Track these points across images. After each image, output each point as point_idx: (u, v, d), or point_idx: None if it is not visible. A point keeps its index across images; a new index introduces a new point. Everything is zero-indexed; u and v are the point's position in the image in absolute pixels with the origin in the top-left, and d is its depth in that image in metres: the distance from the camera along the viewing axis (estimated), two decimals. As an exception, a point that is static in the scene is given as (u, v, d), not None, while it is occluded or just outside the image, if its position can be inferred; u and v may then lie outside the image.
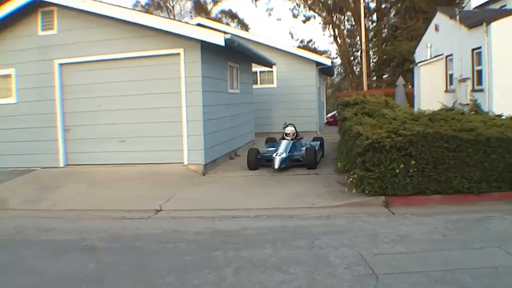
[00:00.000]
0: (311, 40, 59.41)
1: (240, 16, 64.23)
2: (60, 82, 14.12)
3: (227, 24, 53.56)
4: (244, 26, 60.50)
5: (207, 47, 13.12)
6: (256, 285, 5.62)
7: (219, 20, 53.42)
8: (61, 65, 14.07)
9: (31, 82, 14.29)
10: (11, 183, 12.94)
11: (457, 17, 19.53)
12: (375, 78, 50.33)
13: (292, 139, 14.60)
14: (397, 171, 9.31)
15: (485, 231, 7.50)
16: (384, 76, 50.67)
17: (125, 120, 13.75)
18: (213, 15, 59.34)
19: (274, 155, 13.42)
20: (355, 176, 10.04)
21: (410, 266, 6.00)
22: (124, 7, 13.81)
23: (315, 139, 16.33)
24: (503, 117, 11.07)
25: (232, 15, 61.25)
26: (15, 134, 14.46)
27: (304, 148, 14.34)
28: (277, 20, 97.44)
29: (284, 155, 13.32)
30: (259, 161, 13.87)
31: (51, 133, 14.25)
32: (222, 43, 12.43)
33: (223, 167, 14.23)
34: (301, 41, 57.01)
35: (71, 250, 7.49)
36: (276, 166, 13.00)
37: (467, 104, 14.66)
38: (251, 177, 12.75)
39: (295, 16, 56.14)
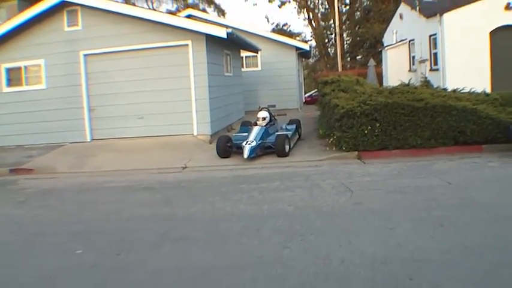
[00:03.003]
0: (286, 23, 60.91)
1: (217, 1, 64.39)
2: (85, 70, 16.76)
3: (203, 10, 54.69)
4: (221, 11, 61.41)
5: (210, 38, 15.92)
6: (276, 198, 8.67)
7: (195, 7, 53.75)
8: (85, 55, 16.71)
9: (59, 70, 16.87)
10: (50, 155, 15.55)
11: (417, 8, 22.59)
12: (349, 59, 52.61)
13: (266, 124, 14.14)
14: (366, 132, 12.22)
15: (429, 169, 10.48)
16: (358, 57, 52.88)
17: (142, 100, 16.44)
18: (189, 0, 59.82)
19: (244, 143, 13.11)
20: (335, 137, 12.96)
21: (374, 186, 9.10)
22: (139, 6, 16.49)
23: (291, 122, 15.70)
24: (448, 91, 14.16)
25: (209, 1, 61.36)
26: (45, 115, 17.00)
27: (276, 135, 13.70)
28: (254, 5, 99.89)
29: (254, 144, 12.95)
30: (230, 149, 13.53)
31: (78, 113, 16.88)
32: (225, 36, 15.36)
33: (225, 138, 17.04)
34: (277, 25, 58.34)
35: (135, 190, 10.44)
36: (245, 156, 12.78)
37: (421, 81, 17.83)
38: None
39: (270, 1, 58.04)
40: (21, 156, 15.43)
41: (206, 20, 23.74)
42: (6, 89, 17.43)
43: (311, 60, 55.88)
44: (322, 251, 5.78)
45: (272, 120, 14.78)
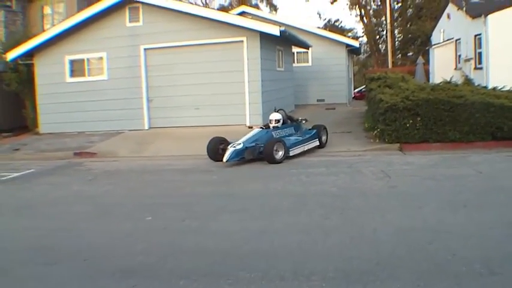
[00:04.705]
0: (338, 20, 61.07)
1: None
2: (145, 63, 18.08)
3: (256, 6, 55.13)
4: (273, 7, 61.85)
5: (263, 35, 16.93)
6: (321, 181, 9.70)
7: (247, 2, 54.26)
8: (145, 49, 18.03)
9: (120, 63, 18.28)
10: (110, 141, 16.83)
11: (464, 9, 23.14)
12: (399, 56, 52.69)
13: (276, 126, 13.06)
14: (408, 125, 13.01)
15: (464, 161, 11.26)
16: (409, 54, 52.85)
17: (198, 92, 17.63)
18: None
19: (229, 146, 12.09)
20: (378, 129, 13.77)
21: (410, 173, 10.00)
22: (196, 4, 17.60)
23: (314, 127, 14.02)
24: (488, 89, 14.84)
25: (261, -4, 61.65)
26: (105, 104, 18.41)
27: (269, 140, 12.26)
28: (306, 0, 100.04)
29: (240, 147, 11.86)
30: (223, 152, 12.09)
31: (137, 103, 18.23)
32: (278, 33, 16.36)
33: (275, 129, 18.01)
34: (329, 21, 58.46)
35: (193, 172, 11.58)
36: (225, 159, 11.74)
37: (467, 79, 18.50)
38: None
39: (323, -3, 57.77)
40: (84, 142, 16.76)
41: (259, 16, 24.83)
42: (69, 79, 18.97)
43: (362, 57, 55.91)
44: (358, 222, 6.77)
45: (288, 123, 13.68)
